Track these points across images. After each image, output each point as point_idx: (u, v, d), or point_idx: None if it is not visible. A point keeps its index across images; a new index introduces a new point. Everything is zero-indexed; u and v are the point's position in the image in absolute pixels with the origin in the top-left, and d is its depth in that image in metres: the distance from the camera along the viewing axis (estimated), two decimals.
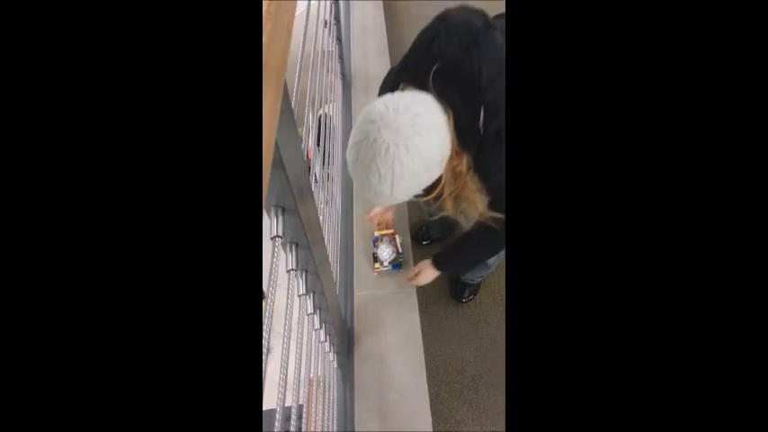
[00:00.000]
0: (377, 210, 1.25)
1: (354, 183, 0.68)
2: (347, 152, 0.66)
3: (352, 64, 1.77)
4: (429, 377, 1.13)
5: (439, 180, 0.69)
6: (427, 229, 1.49)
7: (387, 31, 1.96)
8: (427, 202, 0.76)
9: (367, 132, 0.61)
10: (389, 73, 0.89)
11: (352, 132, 0.65)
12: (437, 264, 1.12)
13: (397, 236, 1.29)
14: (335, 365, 1.03)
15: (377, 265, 1.26)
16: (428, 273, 1.13)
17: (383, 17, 2.04)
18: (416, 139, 0.60)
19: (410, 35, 0.75)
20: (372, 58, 1.84)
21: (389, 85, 0.77)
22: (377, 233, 1.30)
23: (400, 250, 1.27)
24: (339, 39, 1.57)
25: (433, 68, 0.66)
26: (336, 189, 1.25)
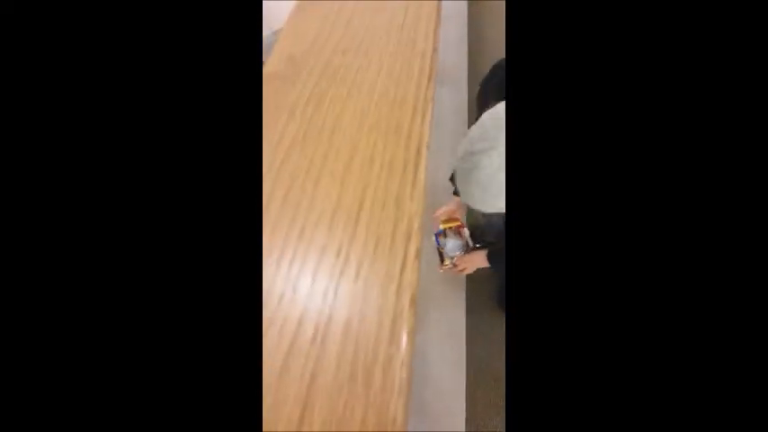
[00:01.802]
0: (446, 207, 1.19)
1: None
2: (457, 161, 0.61)
3: None
4: (467, 380, 1.12)
5: None
6: (482, 232, 1.45)
7: (468, 20, 1.89)
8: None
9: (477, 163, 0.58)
10: (486, 82, 0.90)
11: (462, 149, 0.60)
12: (490, 258, 1.11)
13: (464, 228, 1.15)
14: None
15: (446, 262, 1.13)
16: (477, 261, 1.12)
17: (465, 4, 1.97)
18: None
19: (491, 25, 0.73)
20: (451, 47, 1.79)
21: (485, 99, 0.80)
22: (442, 226, 1.17)
23: (470, 243, 1.13)
24: None
25: None
26: None
